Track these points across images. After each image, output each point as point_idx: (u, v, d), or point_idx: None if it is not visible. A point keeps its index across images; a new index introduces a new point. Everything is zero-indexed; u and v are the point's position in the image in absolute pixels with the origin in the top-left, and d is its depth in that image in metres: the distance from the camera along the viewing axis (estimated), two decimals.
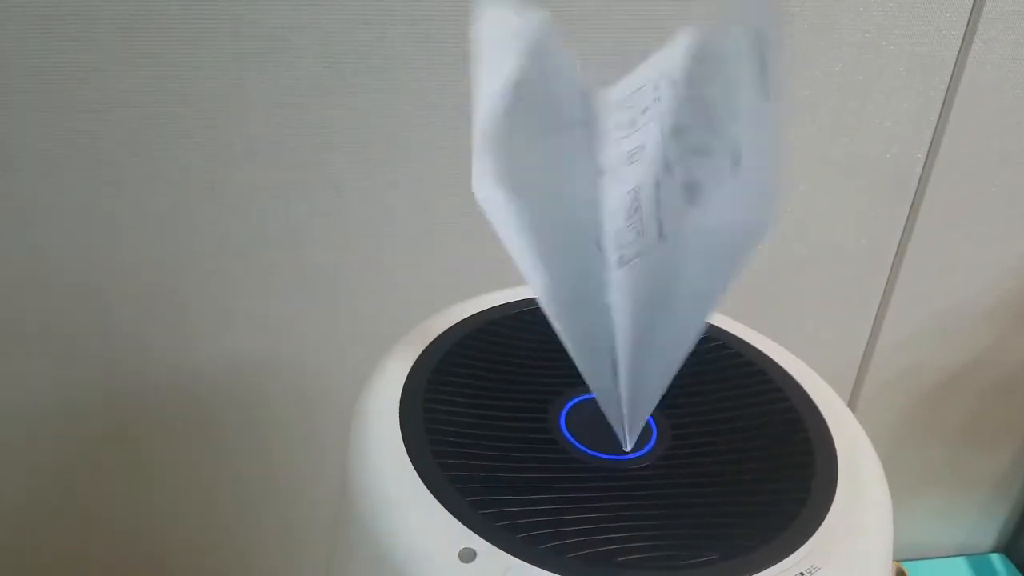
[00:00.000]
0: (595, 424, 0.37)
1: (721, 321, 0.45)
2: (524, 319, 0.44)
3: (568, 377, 0.38)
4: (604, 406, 0.36)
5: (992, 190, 0.81)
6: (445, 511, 0.31)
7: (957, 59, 0.73)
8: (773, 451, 0.36)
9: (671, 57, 0.33)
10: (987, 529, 1.12)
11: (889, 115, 0.74)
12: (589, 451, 0.35)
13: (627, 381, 0.35)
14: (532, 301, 0.45)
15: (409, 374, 0.38)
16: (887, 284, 0.86)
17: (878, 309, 0.87)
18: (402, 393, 0.37)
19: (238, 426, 0.78)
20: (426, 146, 0.67)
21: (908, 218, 0.81)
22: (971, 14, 0.71)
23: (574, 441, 0.36)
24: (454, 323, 0.42)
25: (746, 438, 0.37)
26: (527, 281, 0.33)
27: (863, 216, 0.80)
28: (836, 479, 0.34)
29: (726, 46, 0.30)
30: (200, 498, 0.82)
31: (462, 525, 0.30)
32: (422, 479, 0.32)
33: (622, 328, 0.34)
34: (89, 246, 0.67)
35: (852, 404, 0.94)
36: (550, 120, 0.32)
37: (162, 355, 0.73)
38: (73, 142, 0.62)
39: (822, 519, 0.32)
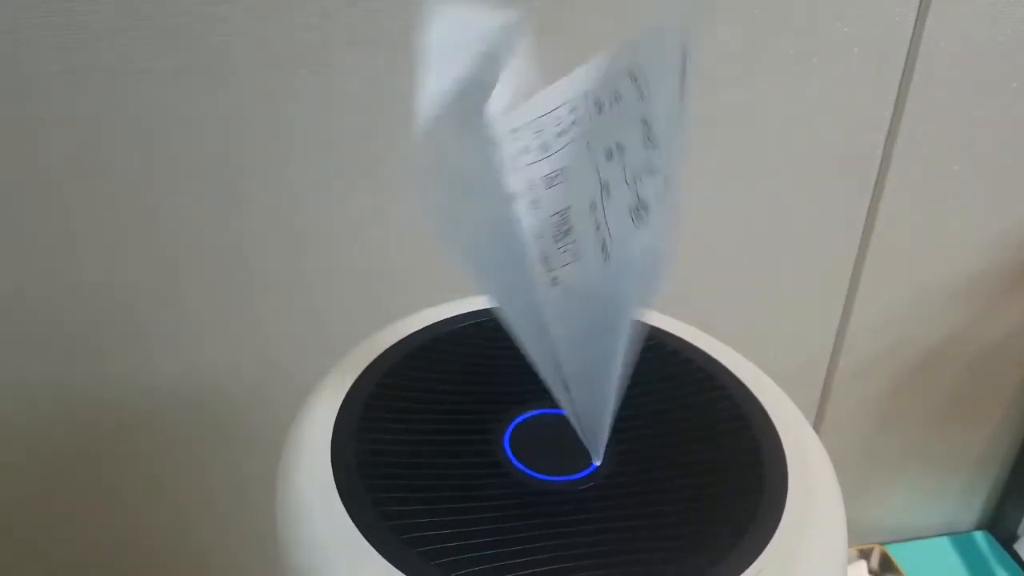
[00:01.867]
0: (541, 443, 0.36)
1: (677, 325, 0.44)
2: (466, 335, 0.43)
3: (513, 394, 0.37)
4: (571, 420, 0.35)
5: (954, 168, 0.80)
6: (380, 556, 0.29)
7: (912, 39, 0.72)
8: (722, 466, 0.35)
9: (589, 77, 0.32)
10: (970, 507, 1.12)
11: (846, 98, 0.73)
12: (535, 474, 0.34)
13: (579, 399, 0.34)
14: (472, 315, 0.44)
15: (343, 403, 0.37)
16: (854, 268, 0.85)
17: (847, 293, 0.87)
18: (335, 424, 0.35)
19: (205, 440, 0.77)
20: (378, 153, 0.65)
21: (871, 201, 0.80)
22: None
23: (519, 464, 0.35)
24: (391, 344, 0.41)
25: (694, 452, 0.35)
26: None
27: (826, 201, 0.80)
28: (785, 495, 0.32)
29: (652, 60, 0.29)
30: (169, 513, 0.81)
31: (398, 572, 0.29)
32: (354, 521, 0.30)
33: (566, 347, 0.32)
34: (43, 264, 0.65)
35: (827, 389, 0.93)
36: (475, 142, 0.31)
37: (123, 370, 0.72)
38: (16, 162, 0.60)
39: (769, 537, 0.30)
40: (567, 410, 0.35)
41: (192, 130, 0.62)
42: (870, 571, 1.00)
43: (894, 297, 0.89)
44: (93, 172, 0.62)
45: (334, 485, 0.32)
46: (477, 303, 0.45)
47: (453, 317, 0.44)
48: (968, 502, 1.11)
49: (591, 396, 0.33)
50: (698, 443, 0.36)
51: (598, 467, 0.34)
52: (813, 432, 0.37)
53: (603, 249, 0.31)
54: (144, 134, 0.61)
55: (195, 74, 0.60)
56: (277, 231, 0.68)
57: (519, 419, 0.37)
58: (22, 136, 0.59)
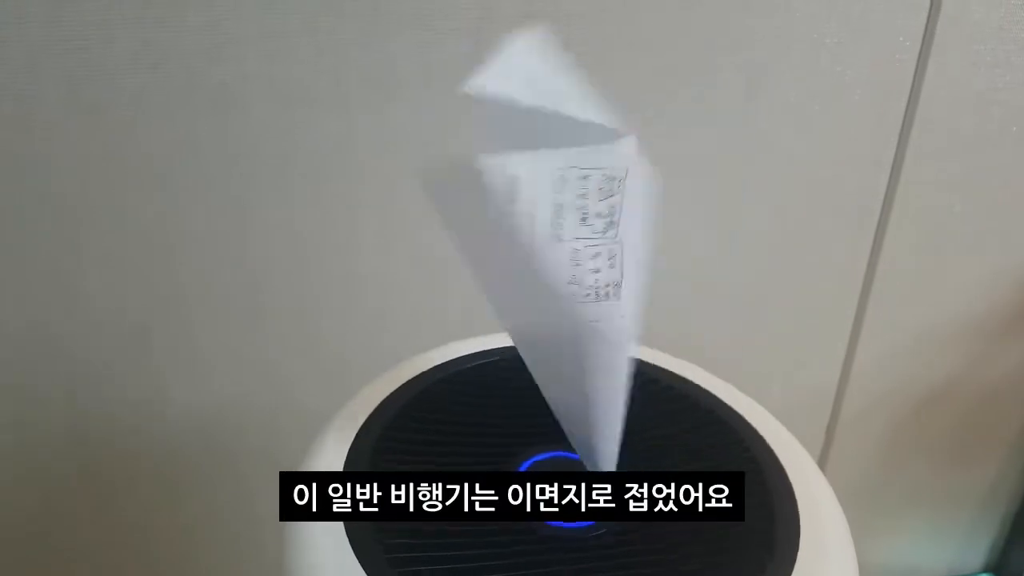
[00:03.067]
0: None
1: (683, 366, 0.44)
2: (474, 375, 0.43)
3: (520, 436, 0.37)
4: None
5: (956, 209, 0.81)
6: None
7: (913, 83, 0.72)
8: None
9: None
10: (976, 548, 1.11)
11: (848, 140, 0.74)
12: (545, 520, 0.34)
13: (585, 437, 0.34)
14: (479, 355, 0.44)
15: (352, 444, 0.37)
16: (858, 308, 0.85)
17: (851, 333, 0.87)
18: (344, 467, 0.35)
19: (215, 471, 0.76)
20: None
21: (874, 242, 0.81)
22: (924, 35, 0.70)
23: None
24: (399, 385, 0.41)
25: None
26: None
27: (829, 243, 0.80)
28: (797, 544, 0.32)
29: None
30: (177, 542, 0.80)
31: None
32: (362, 564, 0.30)
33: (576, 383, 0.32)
34: (55, 294, 0.65)
35: (831, 429, 0.93)
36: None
37: (133, 400, 0.71)
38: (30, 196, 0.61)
39: None
40: (579, 452, 0.35)
41: (204, 166, 0.62)
42: None
43: (897, 337, 0.89)
44: (106, 206, 0.62)
45: (344, 529, 0.32)
46: (484, 343, 0.45)
47: (461, 357, 0.44)
48: (974, 543, 1.10)
49: (598, 435, 0.33)
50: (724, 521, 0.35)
51: None
52: (824, 479, 0.37)
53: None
54: (156, 170, 0.62)
55: (208, 112, 0.60)
56: (288, 263, 0.68)
57: (529, 462, 0.37)
58: (36, 171, 0.60)
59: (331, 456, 0.36)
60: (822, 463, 0.95)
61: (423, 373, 0.43)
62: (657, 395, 0.41)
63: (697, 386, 0.42)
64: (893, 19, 0.69)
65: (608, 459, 0.34)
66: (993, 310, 0.89)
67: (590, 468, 0.35)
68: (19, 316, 0.65)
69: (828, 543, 0.33)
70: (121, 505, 0.77)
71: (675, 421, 0.40)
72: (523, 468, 0.36)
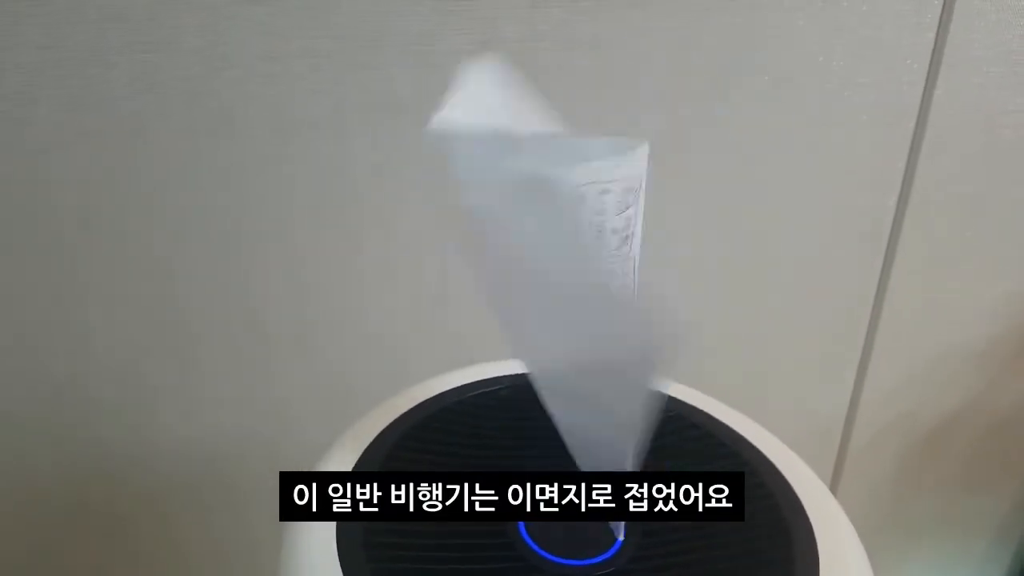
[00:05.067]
0: (558, 522, 0.33)
1: (694, 395, 0.43)
2: (476, 405, 0.42)
3: (529, 469, 0.36)
4: None
5: (966, 235, 0.80)
6: None
7: (920, 106, 0.73)
8: (750, 546, 0.33)
9: None
10: None
11: (856, 165, 0.74)
12: (552, 557, 0.33)
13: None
14: (480, 384, 0.43)
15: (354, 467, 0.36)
16: (867, 334, 0.85)
17: (860, 360, 0.86)
18: None
19: (216, 502, 0.76)
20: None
21: (883, 267, 0.80)
22: (931, 61, 0.71)
23: (535, 547, 0.33)
24: (400, 414, 0.40)
25: (720, 531, 0.34)
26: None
27: (838, 268, 0.80)
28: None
29: None
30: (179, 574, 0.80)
31: None
32: None
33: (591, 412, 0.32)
34: (54, 325, 0.65)
35: (841, 457, 0.92)
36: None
37: (134, 431, 0.71)
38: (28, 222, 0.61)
39: None
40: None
41: (203, 195, 0.62)
42: None
43: (908, 363, 0.88)
44: (102, 233, 0.62)
45: (338, 562, 0.31)
46: (486, 371, 0.44)
47: (463, 386, 0.43)
48: (988, 571, 1.08)
49: (611, 466, 0.33)
50: (722, 524, 0.34)
51: (621, 546, 0.33)
52: (843, 512, 0.36)
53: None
54: (156, 197, 0.62)
55: (207, 138, 0.60)
56: (288, 294, 0.68)
57: None
58: (34, 196, 0.60)
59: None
60: (832, 491, 0.94)
61: (424, 402, 0.42)
62: (666, 424, 0.40)
63: (708, 415, 0.42)
64: (900, 41, 0.70)
65: None
66: (1005, 335, 0.88)
67: None
68: (15, 346, 0.65)
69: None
70: (118, 538, 0.76)
71: (687, 452, 0.39)
72: None
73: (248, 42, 0.58)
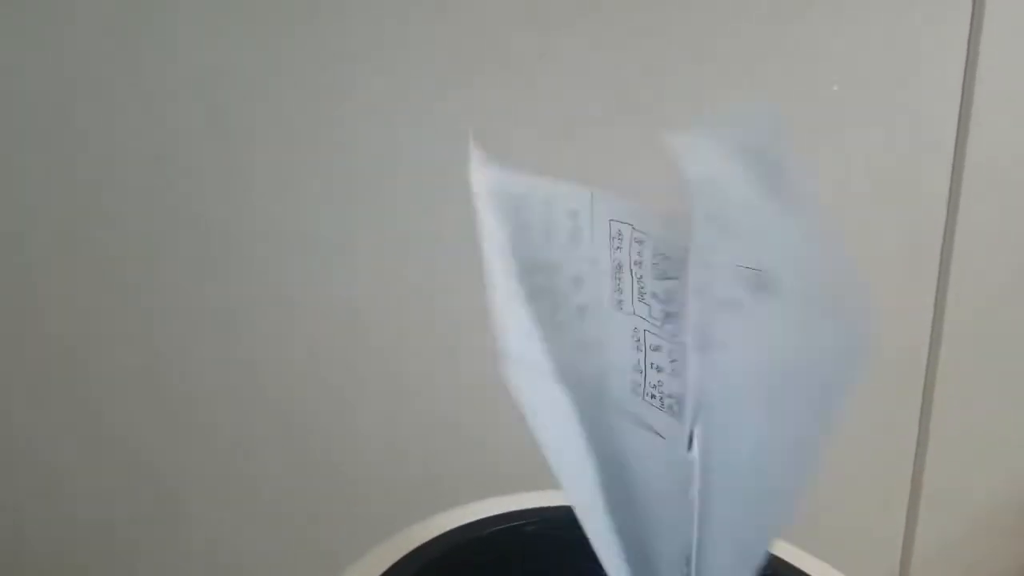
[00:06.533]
0: None
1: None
2: (495, 543, 0.38)
3: None
4: None
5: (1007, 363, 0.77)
6: None
7: (944, 234, 0.71)
8: None
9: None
10: None
11: (883, 296, 0.72)
12: None
13: None
14: (500, 519, 0.39)
15: None
16: (911, 489, 0.80)
17: (907, 513, 0.80)
18: None
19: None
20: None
21: (922, 407, 0.76)
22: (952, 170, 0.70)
23: None
24: (403, 553, 0.36)
25: None
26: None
27: (876, 410, 0.75)
28: None
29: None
30: None
31: None
32: None
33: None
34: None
35: None
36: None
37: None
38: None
39: None
40: None
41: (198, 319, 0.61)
42: None
43: (956, 518, 0.82)
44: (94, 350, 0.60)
45: None
46: (501, 504, 0.40)
47: (480, 520, 0.39)
48: None
49: None
50: None
51: None
52: None
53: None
54: (152, 317, 0.60)
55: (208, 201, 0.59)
56: (284, 433, 0.65)
57: None
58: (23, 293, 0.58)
59: None
60: None
61: (436, 537, 0.37)
62: None
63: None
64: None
65: None
66: None
67: None
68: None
69: None
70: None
71: None
72: None
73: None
